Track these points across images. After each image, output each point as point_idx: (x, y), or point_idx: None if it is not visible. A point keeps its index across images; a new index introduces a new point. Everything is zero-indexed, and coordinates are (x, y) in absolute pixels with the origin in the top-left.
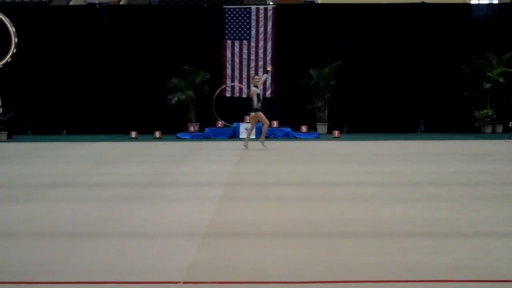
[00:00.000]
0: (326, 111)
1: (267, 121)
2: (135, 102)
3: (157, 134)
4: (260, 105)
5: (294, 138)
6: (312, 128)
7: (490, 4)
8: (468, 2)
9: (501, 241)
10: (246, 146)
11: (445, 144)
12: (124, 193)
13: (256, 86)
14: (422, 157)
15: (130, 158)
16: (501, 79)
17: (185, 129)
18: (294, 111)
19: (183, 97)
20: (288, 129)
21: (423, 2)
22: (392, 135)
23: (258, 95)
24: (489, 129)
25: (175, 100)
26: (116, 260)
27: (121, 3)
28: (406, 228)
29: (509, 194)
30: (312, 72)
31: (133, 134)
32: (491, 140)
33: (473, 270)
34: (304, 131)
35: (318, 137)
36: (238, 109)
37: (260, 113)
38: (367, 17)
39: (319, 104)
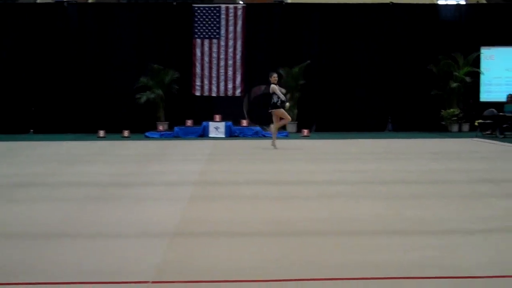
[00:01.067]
0: (295, 110)
1: (288, 117)
2: (103, 101)
3: (126, 133)
4: (280, 101)
5: (264, 137)
6: (281, 127)
7: (458, 5)
8: (435, 2)
9: (468, 238)
10: (274, 146)
11: (413, 143)
12: (93, 193)
13: (274, 83)
14: (390, 156)
15: (98, 158)
16: (467, 79)
17: (154, 128)
18: (263, 110)
19: (152, 96)
20: (258, 128)
21: (391, 2)
22: (361, 133)
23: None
24: (455, 127)
25: (144, 99)
26: (85, 260)
27: (90, 1)
28: (375, 226)
29: (476, 191)
30: (281, 71)
31: (101, 133)
32: (458, 139)
33: (442, 267)
34: None
35: (287, 136)
36: (208, 108)
37: (281, 110)
38: (336, 17)
39: (289, 103)
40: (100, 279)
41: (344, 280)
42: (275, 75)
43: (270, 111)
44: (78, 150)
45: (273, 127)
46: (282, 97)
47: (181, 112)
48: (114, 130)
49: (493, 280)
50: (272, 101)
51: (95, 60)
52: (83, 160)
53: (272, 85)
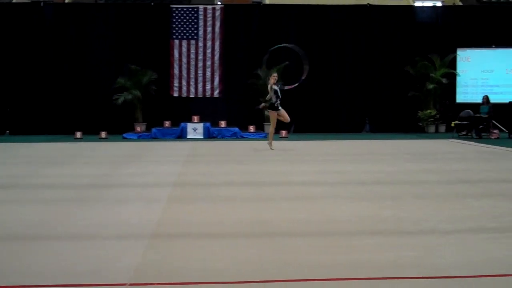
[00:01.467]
0: None
1: (287, 118)
2: (80, 102)
3: (103, 134)
4: (278, 102)
5: (242, 138)
6: (259, 128)
7: (434, 7)
8: (412, 4)
9: (445, 238)
10: (270, 145)
11: (390, 144)
12: (70, 194)
13: (274, 84)
14: (368, 157)
15: (75, 159)
16: (444, 80)
17: (131, 129)
18: (242, 111)
19: (130, 96)
20: (236, 129)
21: (368, 4)
22: (339, 135)
23: (275, 91)
24: (432, 128)
25: (121, 100)
26: (62, 262)
27: (66, 1)
28: (353, 226)
29: (452, 192)
30: (259, 72)
31: (78, 134)
32: (435, 140)
33: (418, 267)
34: (252, 131)
35: (266, 137)
36: (186, 109)
37: (274, 112)
38: (314, 18)
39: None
40: (77, 281)
41: (322, 281)
42: (275, 74)
43: (267, 110)
44: (55, 151)
45: (270, 128)
46: (268, 97)
47: (159, 113)
48: (91, 132)
49: (469, 279)
50: (271, 101)
51: (72, 61)
52: (60, 162)
53: (270, 85)
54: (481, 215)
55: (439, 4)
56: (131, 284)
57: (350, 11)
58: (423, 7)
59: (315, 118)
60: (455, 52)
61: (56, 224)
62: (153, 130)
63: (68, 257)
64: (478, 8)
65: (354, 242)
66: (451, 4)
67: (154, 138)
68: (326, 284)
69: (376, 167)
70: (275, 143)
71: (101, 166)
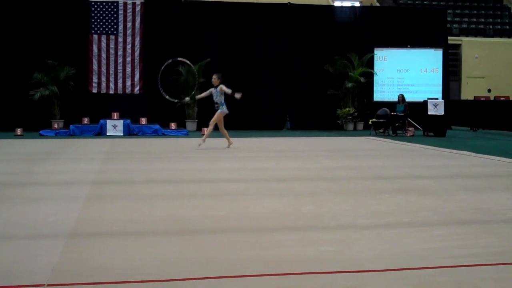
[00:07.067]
0: (196, 108)
1: (211, 125)
2: None
3: (19, 131)
4: (217, 105)
5: (163, 135)
6: (181, 125)
7: (352, 7)
8: (331, 4)
9: (362, 233)
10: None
11: (310, 141)
12: None
13: (214, 86)
14: (288, 154)
15: None
16: (362, 79)
17: (48, 126)
18: (163, 108)
19: (47, 92)
20: (157, 126)
21: (289, 3)
22: (260, 132)
23: (211, 93)
24: (351, 126)
25: (37, 95)
26: None
27: None
28: (274, 222)
29: (369, 188)
30: (181, 69)
31: None
32: (353, 137)
33: (337, 261)
34: (173, 128)
35: (187, 135)
36: (105, 105)
37: (216, 115)
38: (235, 15)
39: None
40: None
41: (243, 278)
42: (214, 76)
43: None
44: None
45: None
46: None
47: (77, 110)
48: (6, 128)
49: (386, 273)
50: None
51: None
52: None
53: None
54: (396, 210)
55: (357, 4)
56: (49, 285)
57: (271, 9)
58: (342, 7)
59: (236, 115)
60: (372, 51)
61: None
62: (71, 127)
63: None
64: (394, 9)
65: (275, 238)
66: (368, 4)
67: (72, 135)
68: (248, 280)
69: (296, 164)
70: (196, 141)
71: (16, 163)
